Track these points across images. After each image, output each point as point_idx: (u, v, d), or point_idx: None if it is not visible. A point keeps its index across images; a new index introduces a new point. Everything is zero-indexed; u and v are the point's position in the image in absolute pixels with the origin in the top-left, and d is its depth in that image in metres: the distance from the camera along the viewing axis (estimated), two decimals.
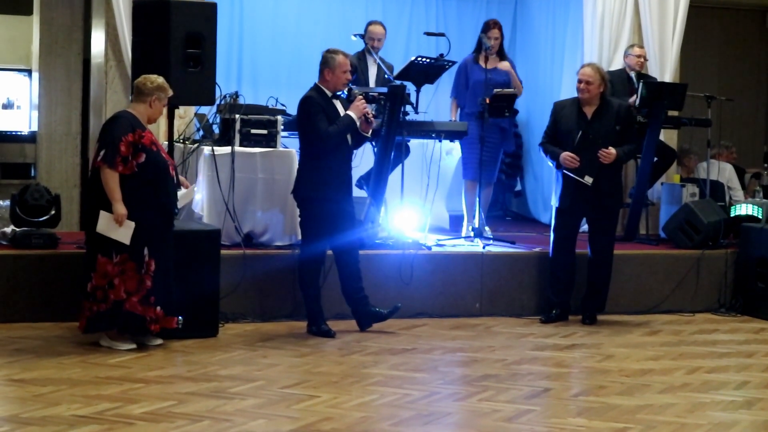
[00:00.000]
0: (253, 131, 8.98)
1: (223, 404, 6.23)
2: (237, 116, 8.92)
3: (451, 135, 9.94)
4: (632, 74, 10.67)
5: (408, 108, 9.42)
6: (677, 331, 9.06)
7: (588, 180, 8.86)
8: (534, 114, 12.64)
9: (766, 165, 12.98)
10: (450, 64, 9.98)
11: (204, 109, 9.51)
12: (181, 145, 9.15)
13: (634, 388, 6.99)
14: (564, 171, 8.93)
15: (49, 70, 11.69)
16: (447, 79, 10.78)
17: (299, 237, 8.82)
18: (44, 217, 8.58)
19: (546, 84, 12.51)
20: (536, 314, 9.32)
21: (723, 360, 8.00)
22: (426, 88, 10.03)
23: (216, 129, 9.26)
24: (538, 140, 9.39)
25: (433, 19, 13.13)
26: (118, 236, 7.32)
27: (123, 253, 7.37)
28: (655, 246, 10.29)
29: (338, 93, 8.28)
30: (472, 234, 9.95)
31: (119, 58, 9.65)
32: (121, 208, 7.29)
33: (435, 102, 10.62)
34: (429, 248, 9.41)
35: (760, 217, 10.23)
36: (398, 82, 9.46)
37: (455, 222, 10.84)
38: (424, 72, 9.81)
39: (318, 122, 8.03)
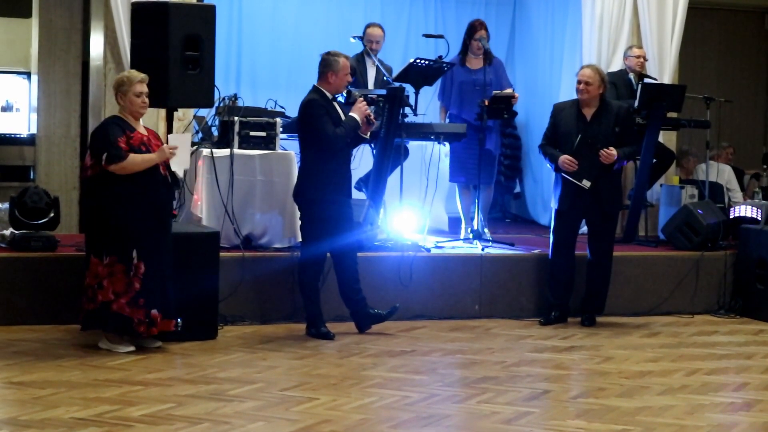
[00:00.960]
0: (252, 133, 8.98)
1: (222, 406, 6.22)
2: (236, 118, 8.93)
3: (450, 137, 9.94)
4: (631, 76, 10.66)
5: (407, 110, 9.42)
6: (676, 333, 9.06)
7: (586, 184, 8.86)
8: (533, 116, 12.64)
9: (765, 166, 13.00)
10: (449, 66, 9.99)
11: (203, 112, 9.51)
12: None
13: (634, 389, 6.99)
14: (562, 174, 8.93)
15: (48, 72, 11.69)
16: None
17: (298, 239, 8.82)
18: (43, 220, 8.58)
19: (545, 85, 12.51)
20: (535, 316, 9.31)
21: (722, 361, 8.00)
22: (425, 90, 10.02)
23: (215, 131, 9.26)
24: (537, 142, 9.40)
25: (432, 21, 13.13)
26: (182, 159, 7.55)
27: (112, 255, 7.40)
28: (654, 248, 10.29)
29: (335, 96, 8.28)
30: (471, 236, 9.95)
31: (118, 60, 9.64)
32: (157, 156, 7.40)
33: (434, 104, 10.61)
34: (428, 250, 9.41)
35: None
36: (397, 84, 9.46)
37: (454, 224, 10.84)
38: (423, 74, 9.81)
39: (324, 125, 8.03)
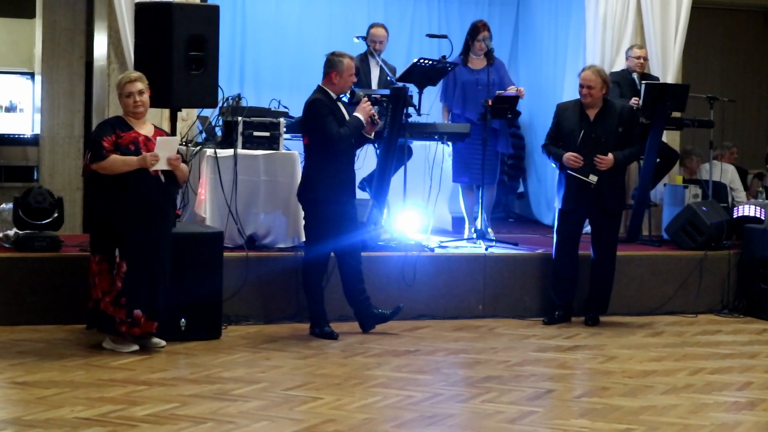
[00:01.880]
0: (256, 133, 8.99)
1: (227, 406, 6.23)
2: (239, 118, 8.93)
3: (454, 137, 9.94)
4: (634, 76, 10.65)
5: (410, 110, 9.42)
6: (680, 333, 9.05)
7: (593, 179, 8.86)
8: (537, 116, 12.64)
9: None
10: (452, 66, 9.99)
11: (206, 112, 9.50)
12: (184, 148, 9.14)
13: (637, 389, 6.99)
14: (568, 171, 8.93)
15: (52, 73, 11.69)
16: None
17: (302, 239, 8.81)
18: (47, 220, 8.59)
19: (549, 85, 12.51)
20: (539, 316, 9.31)
21: (726, 361, 8.00)
22: (428, 90, 10.02)
23: (219, 131, 9.27)
24: (540, 142, 9.39)
25: (436, 21, 13.13)
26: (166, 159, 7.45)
27: (100, 254, 7.45)
28: (657, 247, 10.29)
29: (340, 96, 8.28)
30: (474, 236, 9.95)
31: (122, 60, 9.65)
32: (139, 161, 7.35)
33: (437, 104, 10.62)
34: (432, 250, 9.40)
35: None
36: (400, 84, 9.46)
37: (458, 224, 10.84)
38: (427, 74, 9.81)
39: (328, 124, 8.04)
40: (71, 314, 8.18)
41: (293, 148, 9.31)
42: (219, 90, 8.63)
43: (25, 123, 12.32)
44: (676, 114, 10.76)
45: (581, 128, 8.94)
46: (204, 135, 9.43)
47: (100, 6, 10.19)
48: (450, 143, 10.12)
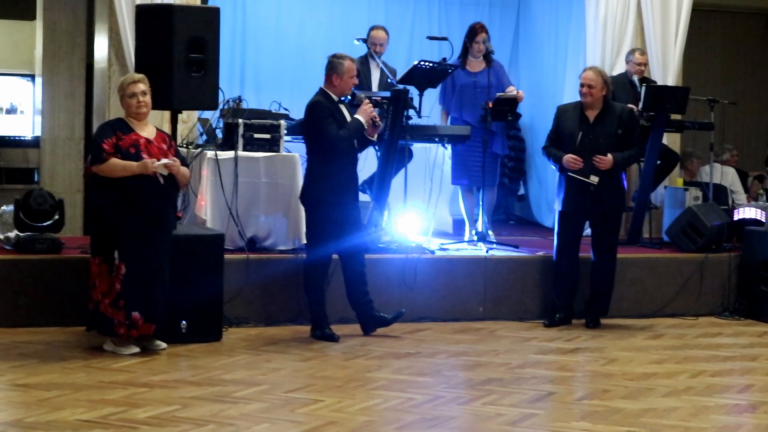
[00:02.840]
0: (257, 136, 8.98)
1: (227, 408, 6.23)
2: (240, 121, 8.93)
3: (454, 139, 9.94)
4: (635, 78, 10.65)
5: (411, 112, 9.42)
6: (681, 335, 9.05)
7: (594, 179, 8.86)
8: (537, 118, 12.64)
9: None
10: (453, 68, 9.99)
11: (207, 114, 9.51)
12: (185, 150, 9.14)
13: (638, 391, 6.98)
14: (569, 173, 8.93)
15: (53, 75, 11.69)
16: None
17: (303, 241, 8.83)
18: (48, 222, 8.59)
19: (549, 88, 12.51)
20: (540, 318, 9.31)
21: (727, 363, 8.00)
22: (429, 93, 10.03)
23: (219, 133, 9.27)
24: (541, 144, 9.39)
25: (436, 24, 13.13)
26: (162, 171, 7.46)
27: (100, 256, 7.46)
28: (658, 250, 10.29)
29: (342, 98, 8.29)
30: (475, 238, 9.95)
31: (122, 62, 9.65)
32: (139, 167, 7.35)
33: (437, 106, 10.62)
34: (432, 252, 9.41)
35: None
36: (401, 87, 9.46)
37: (458, 226, 10.84)
38: (427, 76, 9.81)
39: (328, 127, 8.05)
40: (72, 316, 8.19)
41: (294, 150, 9.31)
42: (219, 92, 8.64)
43: (26, 125, 12.32)
44: (677, 116, 10.76)
45: (581, 130, 8.94)
46: (204, 137, 9.44)
47: (100, 8, 10.19)
48: (449, 145, 10.12)
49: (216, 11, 8.60)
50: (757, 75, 15.97)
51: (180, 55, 8.28)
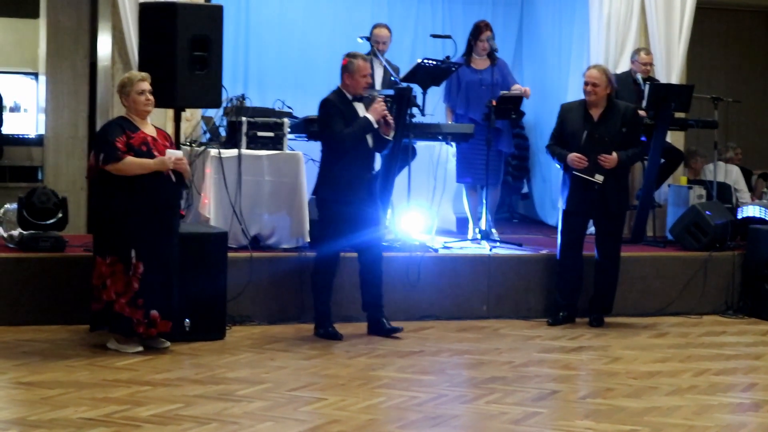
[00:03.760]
0: (260, 134, 8.98)
1: (231, 407, 6.23)
2: (243, 119, 8.93)
3: (458, 137, 9.94)
4: (638, 76, 10.63)
5: (414, 110, 9.42)
6: (685, 334, 9.05)
7: (598, 178, 8.85)
8: (541, 116, 12.62)
9: None
10: (457, 66, 9.99)
11: (210, 112, 9.51)
12: (188, 148, 9.15)
13: (642, 390, 6.98)
14: (573, 172, 8.92)
15: (56, 73, 11.70)
16: None
17: (306, 239, 8.84)
18: (51, 220, 8.59)
19: (553, 86, 12.49)
20: (543, 316, 9.31)
21: (731, 362, 7.99)
22: (432, 91, 10.02)
23: (223, 132, 9.27)
24: (545, 142, 9.38)
25: (440, 22, 13.11)
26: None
27: (113, 255, 7.42)
28: (662, 248, 10.27)
29: (358, 96, 8.26)
30: (479, 236, 9.95)
31: (126, 61, 9.65)
32: (155, 164, 7.37)
33: (441, 104, 10.61)
34: (436, 251, 9.40)
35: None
36: (405, 85, 9.46)
37: (462, 224, 10.83)
38: (431, 74, 9.80)
39: (333, 124, 8.10)
40: (75, 314, 8.18)
41: (297, 148, 9.31)
42: (223, 90, 8.65)
43: (30, 123, 12.34)
44: (681, 114, 10.74)
45: (585, 128, 8.94)
46: (208, 135, 9.44)
47: (104, 6, 10.19)
48: (454, 143, 10.11)
49: (219, 9, 8.60)
50: (761, 73, 15.95)
51: (183, 53, 8.28)
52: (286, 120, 9.14)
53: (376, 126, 8.19)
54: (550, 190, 12.45)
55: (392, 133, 8.38)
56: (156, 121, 8.16)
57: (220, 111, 9.19)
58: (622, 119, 8.96)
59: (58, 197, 8.68)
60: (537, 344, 8.40)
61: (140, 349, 7.52)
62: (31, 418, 5.87)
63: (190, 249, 7.82)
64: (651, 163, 10.24)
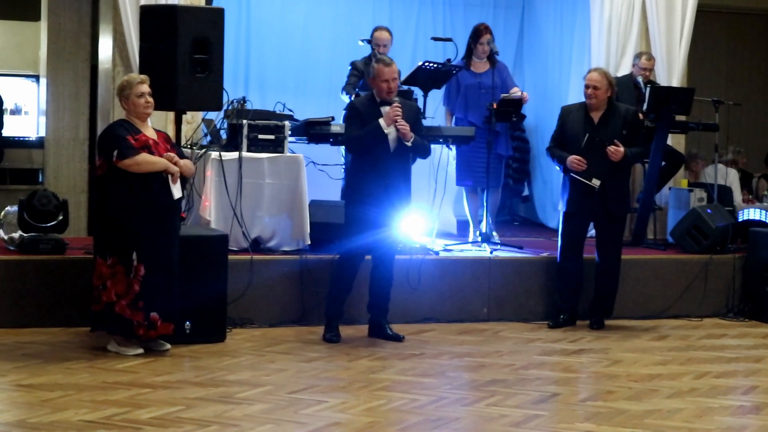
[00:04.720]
0: (261, 136, 8.98)
1: (231, 409, 6.23)
2: (244, 121, 8.93)
3: (459, 140, 9.93)
4: (639, 79, 10.64)
5: None
6: (685, 336, 9.04)
7: (595, 182, 8.85)
8: (542, 119, 12.63)
9: None
10: (457, 69, 9.99)
11: (211, 115, 9.52)
12: (189, 151, 9.15)
13: (642, 393, 6.98)
14: (571, 174, 8.93)
15: (57, 75, 11.70)
16: None
17: (307, 242, 8.85)
18: (52, 223, 8.59)
19: (554, 89, 12.51)
20: (544, 319, 9.31)
21: (731, 365, 7.99)
22: (433, 93, 10.03)
23: (223, 134, 9.27)
24: (545, 145, 9.39)
25: (440, 24, 13.12)
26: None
27: (114, 257, 7.42)
28: (662, 251, 10.27)
29: (386, 101, 8.21)
30: (479, 239, 9.95)
31: (127, 63, 9.66)
32: (170, 167, 7.41)
33: (442, 107, 10.61)
34: (437, 253, 9.40)
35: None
36: (405, 88, 9.46)
37: (463, 227, 10.83)
38: (432, 77, 9.81)
39: (346, 127, 8.29)
40: (76, 317, 8.19)
41: (298, 150, 9.31)
42: (224, 93, 8.65)
43: (30, 126, 12.33)
44: (682, 117, 10.75)
45: (585, 131, 8.94)
46: (209, 138, 9.44)
47: (105, 9, 10.20)
48: (454, 146, 10.11)
49: (220, 12, 8.61)
50: (762, 76, 15.96)
51: (184, 56, 8.28)
52: (286, 123, 9.14)
53: (387, 131, 8.14)
54: (550, 192, 12.46)
55: (412, 139, 8.27)
56: (156, 123, 8.17)
57: (221, 113, 9.20)
58: (622, 122, 8.96)
59: (58, 200, 8.69)
60: (537, 347, 8.40)
61: (140, 351, 7.52)
62: (31, 421, 5.87)
63: (191, 251, 7.81)
64: (652, 166, 10.25)
